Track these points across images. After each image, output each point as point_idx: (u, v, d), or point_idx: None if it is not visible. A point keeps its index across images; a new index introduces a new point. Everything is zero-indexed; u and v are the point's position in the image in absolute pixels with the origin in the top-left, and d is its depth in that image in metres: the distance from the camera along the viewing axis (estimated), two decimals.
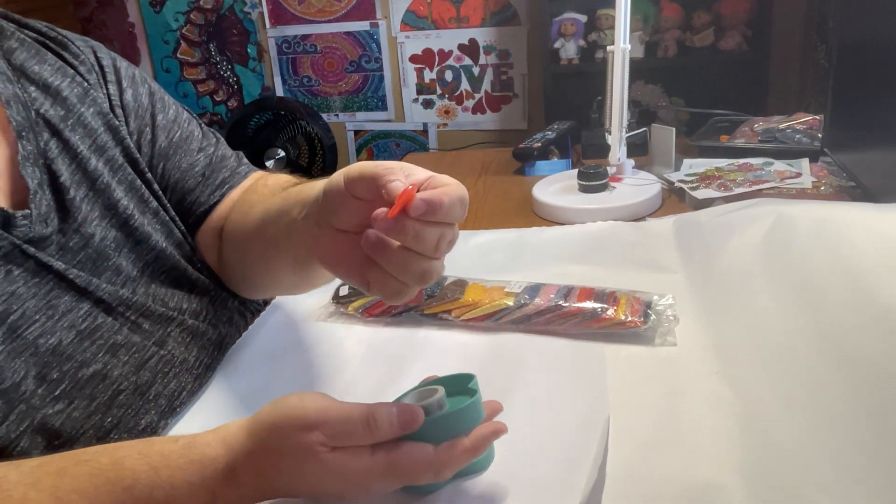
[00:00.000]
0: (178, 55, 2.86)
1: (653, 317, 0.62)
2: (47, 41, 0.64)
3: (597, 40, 2.29)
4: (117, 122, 0.64)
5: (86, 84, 0.63)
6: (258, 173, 0.74)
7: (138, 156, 0.65)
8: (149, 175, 0.65)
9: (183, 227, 0.68)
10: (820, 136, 1.09)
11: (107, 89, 0.65)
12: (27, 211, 0.54)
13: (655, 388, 0.55)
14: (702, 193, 0.97)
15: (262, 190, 0.68)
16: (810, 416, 0.48)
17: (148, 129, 0.67)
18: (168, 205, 0.67)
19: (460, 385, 0.49)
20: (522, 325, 0.66)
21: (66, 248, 0.56)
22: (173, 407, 0.59)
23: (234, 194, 0.71)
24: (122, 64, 0.69)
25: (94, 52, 0.66)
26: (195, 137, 0.71)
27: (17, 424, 0.49)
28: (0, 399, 0.49)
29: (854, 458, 0.44)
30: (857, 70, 0.91)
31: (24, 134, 0.56)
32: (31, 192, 0.54)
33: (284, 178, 0.69)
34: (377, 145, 2.82)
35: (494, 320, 0.66)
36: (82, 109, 0.61)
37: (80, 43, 0.66)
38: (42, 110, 0.59)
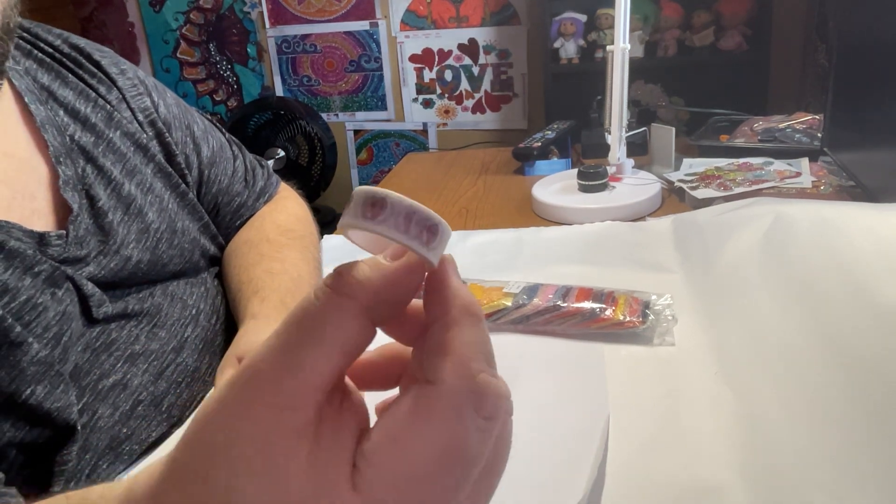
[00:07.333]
0: (178, 55, 2.86)
1: (651, 317, 0.62)
2: (63, 58, 0.62)
3: (596, 40, 2.29)
4: (146, 140, 0.63)
5: (108, 106, 0.62)
6: (273, 199, 0.78)
7: (171, 170, 0.64)
8: (183, 187, 0.65)
9: (214, 231, 0.69)
10: (819, 135, 1.09)
11: (142, 102, 0.65)
12: (62, 231, 0.53)
13: (654, 388, 0.55)
14: (701, 193, 0.96)
15: (248, 235, 0.72)
16: (810, 416, 0.48)
17: (189, 139, 0.68)
18: (203, 211, 0.67)
19: None
20: (521, 326, 0.65)
21: (107, 269, 0.55)
22: (182, 419, 0.58)
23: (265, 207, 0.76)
24: (141, 74, 0.68)
25: (113, 66, 0.65)
26: (225, 144, 0.73)
27: None
28: None
29: (854, 458, 0.44)
30: (857, 70, 0.91)
31: (61, 159, 0.55)
32: (74, 214, 0.54)
33: (268, 233, 0.72)
34: (377, 145, 2.82)
35: (493, 321, 0.66)
36: (110, 134, 0.60)
37: (97, 56, 0.64)
38: (76, 137, 0.58)
